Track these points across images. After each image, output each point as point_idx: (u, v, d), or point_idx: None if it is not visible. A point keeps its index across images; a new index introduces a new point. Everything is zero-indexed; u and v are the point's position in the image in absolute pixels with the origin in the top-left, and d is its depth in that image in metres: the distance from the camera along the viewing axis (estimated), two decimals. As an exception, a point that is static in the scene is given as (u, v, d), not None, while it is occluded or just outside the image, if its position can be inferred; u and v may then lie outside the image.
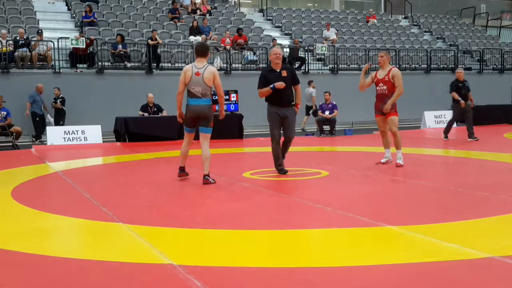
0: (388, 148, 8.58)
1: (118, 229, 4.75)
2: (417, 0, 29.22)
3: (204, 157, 6.99)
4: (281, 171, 7.75)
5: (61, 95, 14.92)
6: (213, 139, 12.89)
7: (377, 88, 8.37)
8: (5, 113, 13.30)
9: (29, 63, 15.64)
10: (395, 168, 8.18)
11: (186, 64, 17.30)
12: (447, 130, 13.11)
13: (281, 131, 7.79)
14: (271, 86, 7.43)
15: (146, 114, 13.92)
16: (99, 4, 19.55)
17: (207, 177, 6.99)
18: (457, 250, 3.87)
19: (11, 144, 12.87)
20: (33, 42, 15.71)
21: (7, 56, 15.01)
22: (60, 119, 14.91)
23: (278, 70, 7.56)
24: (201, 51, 7.00)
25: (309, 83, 16.85)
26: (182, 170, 7.39)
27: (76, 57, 16.05)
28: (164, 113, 14.10)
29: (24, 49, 15.46)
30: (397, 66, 20.25)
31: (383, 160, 8.54)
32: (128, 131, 13.26)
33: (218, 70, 17.49)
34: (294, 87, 7.70)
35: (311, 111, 16.36)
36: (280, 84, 7.39)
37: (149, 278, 3.45)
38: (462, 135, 14.85)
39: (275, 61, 7.57)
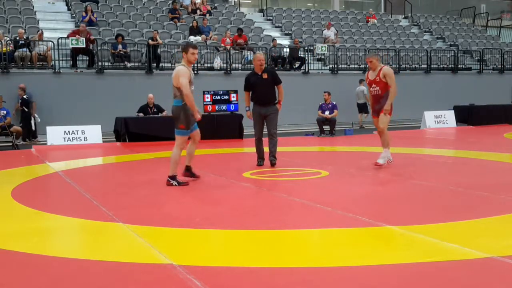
0: (388, 148, 8.58)
1: (118, 229, 4.75)
2: (417, 0, 29.21)
3: (171, 158, 6.92)
4: (259, 163, 8.64)
5: (24, 96, 14.16)
6: (213, 139, 13.05)
7: (371, 89, 8.34)
8: (5, 112, 13.30)
9: (29, 63, 15.64)
10: (395, 168, 8.18)
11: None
12: None
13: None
14: (247, 108, 8.79)
15: (141, 115, 13.87)
16: (99, 4, 19.54)
17: (169, 178, 6.91)
18: (457, 250, 3.87)
19: (11, 144, 12.87)
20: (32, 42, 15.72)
21: (7, 56, 15.00)
22: (24, 123, 14.04)
23: (260, 73, 8.56)
24: (182, 49, 6.96)
25: (360, 81, 17.79)
26: (187, 170, 7.27)
27: (76, 51, 15.90)
28: (165, 114, 14.07)
29: (24, 49, 15.46)
30: (397, 66, 20.28)
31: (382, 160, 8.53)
32: (128, 131, 13.25)
33: (218, 70, 17.69)
34: (277, 86, 8.64)
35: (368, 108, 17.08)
36: (248, 116, 8.73)
37: (149, 278, 3.45)
38: (462, 135, 14.86)
39: (258, 67, 8.56)
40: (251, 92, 8.66)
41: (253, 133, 8.74)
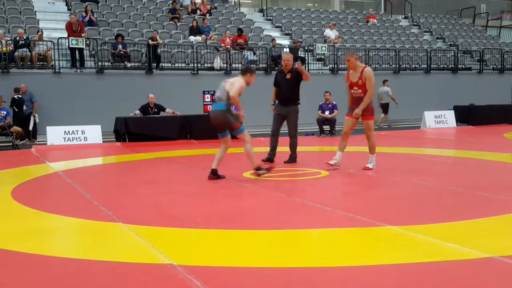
0: (341, 152, 8.08)
1: (118, 229, 4.75)
2: (417, 0, 29.21)
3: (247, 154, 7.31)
4: (268, 159, 8.73)
5: (16, 96, 13.96)
6: (214, 139, 12.98)
7: (352, 91, 7.96)
8: (5, 112, 13.28)
9: (29, 63, 15.64)
10: (394, 168, 8.18)
11: (186, 64, 17.50)
12: None
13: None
14: (271, 103, 8.97)
15: (138, 113, 13.86)
16: (99, 4, 19.55)
17: (255, 170, 7.33)
18: (457, 250, 3.87)
19: (11, 144, 12.87)
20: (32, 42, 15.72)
21: (7, 56, 15.00)
22: (17, 123, 13.70)
23: (285, 73, 8.91)
24: (241, 70, 7.71)
25: (384, 82, 17.97)
26: (213, 173, 7.34)
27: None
28: (169, 111, 14.06)
29: (24, 49, 15.46)
30: (397, 66, 20.27)
31: (331, 162, 7.95)
32: (128, 131, 13.24)
33: (218, 70, 17.71)
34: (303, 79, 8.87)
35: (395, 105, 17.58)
36: (272, 110, 8.94)
37: (149, 278, 3.45)
38: (462, 135, 14.86)
39: (284, 66, 8.97)
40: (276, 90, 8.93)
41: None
